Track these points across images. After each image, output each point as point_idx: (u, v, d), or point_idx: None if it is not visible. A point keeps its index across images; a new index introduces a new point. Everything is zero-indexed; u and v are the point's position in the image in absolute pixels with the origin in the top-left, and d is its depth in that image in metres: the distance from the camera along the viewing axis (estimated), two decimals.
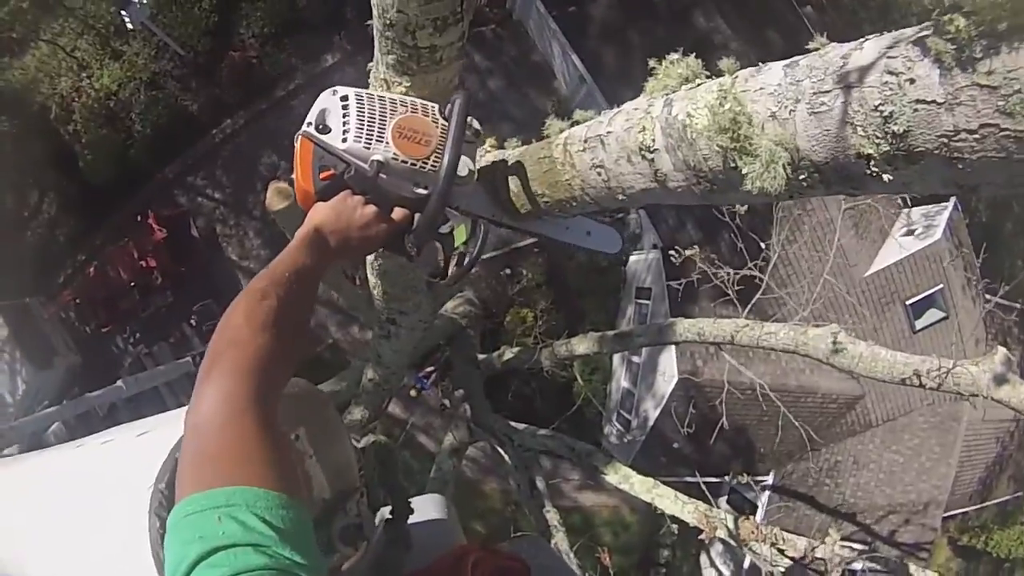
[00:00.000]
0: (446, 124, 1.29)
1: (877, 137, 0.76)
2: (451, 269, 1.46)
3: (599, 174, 1.24)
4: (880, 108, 0.74)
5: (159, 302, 12.13)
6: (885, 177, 0.78)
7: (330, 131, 1.26)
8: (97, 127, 11.82)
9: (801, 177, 0.89)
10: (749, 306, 5.42)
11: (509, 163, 1.49)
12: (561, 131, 1.40)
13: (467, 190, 1.38)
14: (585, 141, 1.27)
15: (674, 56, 1.13)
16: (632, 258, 11.14)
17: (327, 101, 1.28)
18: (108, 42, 11.97)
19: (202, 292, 11.75)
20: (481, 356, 5.67)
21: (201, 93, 11.64)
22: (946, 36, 0.66)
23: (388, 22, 1.20)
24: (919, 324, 10.51)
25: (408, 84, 1.34)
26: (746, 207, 6.39)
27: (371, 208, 1.26)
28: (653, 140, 1.09)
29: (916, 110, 0.71)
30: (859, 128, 0.77)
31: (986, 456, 12.30)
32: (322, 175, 1.26)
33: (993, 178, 0.71)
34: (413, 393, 11.10)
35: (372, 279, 2.50)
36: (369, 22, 1.26)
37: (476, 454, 10.82)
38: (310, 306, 1.11)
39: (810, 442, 8.42)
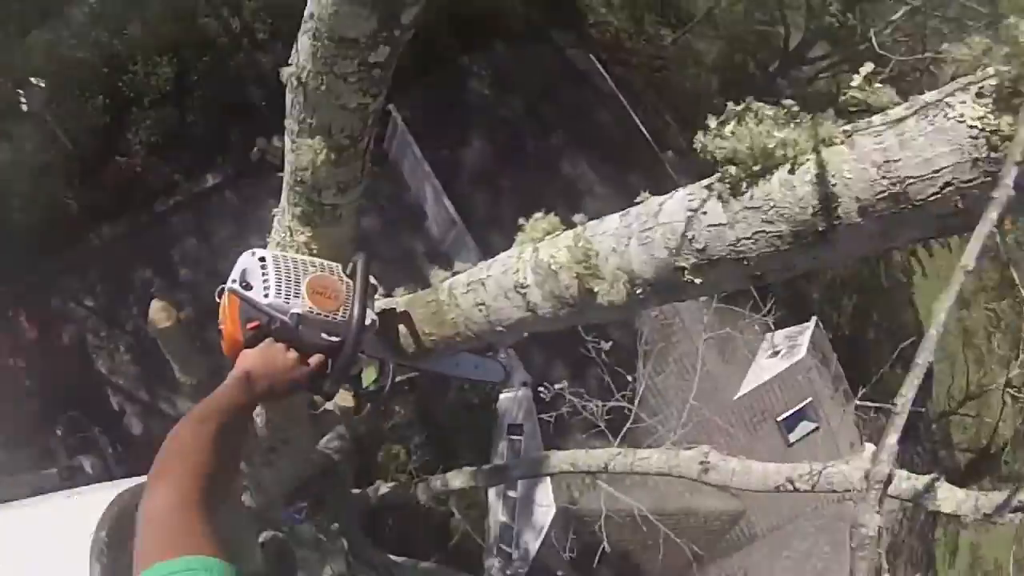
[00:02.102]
0: (350, 282, 1.51)
1: (686, 253, 1.04)
2: (364, 406, 1.63)
3: (480, 311, 1.49)
4: (686, 234, 1.03)
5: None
6: (697, 281, 1.06)
7: (252, 288, 1.45)
8: None
9: (638, 292, 1.16)
10: (620, 436, 5.62)
11: (398, 310, 1.70)
12: (444, 279, 1.65)
13: (371, 337, 1.57)
14: (468, 284, 1.53)
15: (538, 215, 1.42)
16: (502, 395, 11.23)
17: (247, 262, 1.47)
18: None
19: (68, 403, 10.67)
20: (356, 491, 5.50)
21: (84, 194, 11.09)
22: (725, 180, 0.98)
23: (298, 179, 1.43)
24: (792, 437, 11.12)
25: (310, 234, 1.58)
26: (610, 343, 7.59)
27: (293, 354, 1.43)
28: (525, 278, 1.36)
29: (710, 231, 1.00)
30: (673, 249, 1.06)
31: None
32: (249, 326, 1.43)
33: (772, 266, 0.99)
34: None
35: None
36: (280, 173, 1.46)
37: None
38: (243, 438, 1.35)
39: (696, 559, 8.48)
